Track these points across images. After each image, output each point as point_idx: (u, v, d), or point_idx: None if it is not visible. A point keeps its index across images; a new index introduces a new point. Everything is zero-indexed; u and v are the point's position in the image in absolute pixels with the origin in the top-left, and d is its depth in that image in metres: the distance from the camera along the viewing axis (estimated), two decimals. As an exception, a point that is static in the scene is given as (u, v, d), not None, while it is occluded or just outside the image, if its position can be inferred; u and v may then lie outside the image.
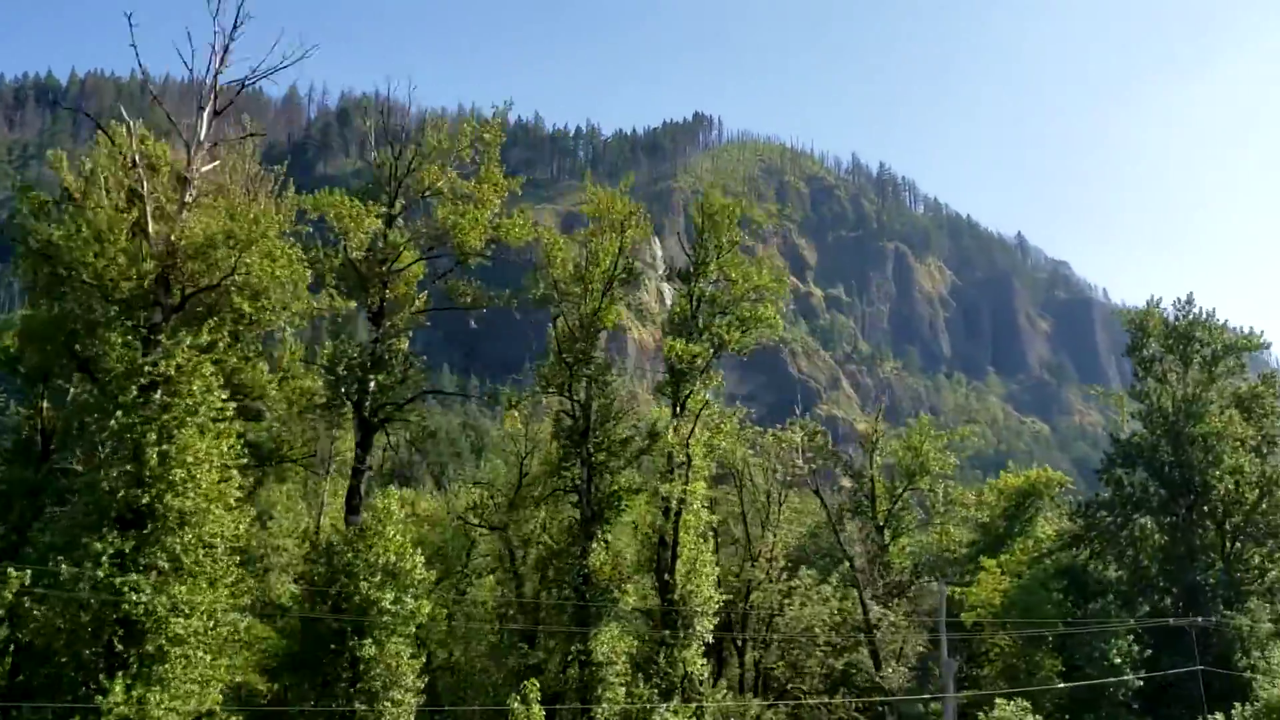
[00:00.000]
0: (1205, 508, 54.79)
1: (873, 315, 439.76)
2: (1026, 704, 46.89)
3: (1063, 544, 57.51)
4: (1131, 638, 51.57)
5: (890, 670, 50.55)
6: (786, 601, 51.48)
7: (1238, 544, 55.79)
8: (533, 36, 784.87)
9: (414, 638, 34.11)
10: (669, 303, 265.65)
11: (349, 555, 33.14)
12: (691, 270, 48.50)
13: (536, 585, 42.70)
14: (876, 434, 61.12)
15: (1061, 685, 49.33)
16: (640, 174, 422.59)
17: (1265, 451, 56.81)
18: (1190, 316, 58.24)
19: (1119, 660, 49.94)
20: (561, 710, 38.63)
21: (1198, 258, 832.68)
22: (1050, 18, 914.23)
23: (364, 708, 31.39)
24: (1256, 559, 55.44)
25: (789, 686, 50.27)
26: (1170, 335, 58.01)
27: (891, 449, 61.02)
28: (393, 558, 32.91)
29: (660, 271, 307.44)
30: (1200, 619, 51.12)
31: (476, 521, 45.37)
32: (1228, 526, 55.43)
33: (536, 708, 35.05)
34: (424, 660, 35.08)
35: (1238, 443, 54.45)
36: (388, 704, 31.48)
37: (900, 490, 59.82)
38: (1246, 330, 60.09)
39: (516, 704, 34.85)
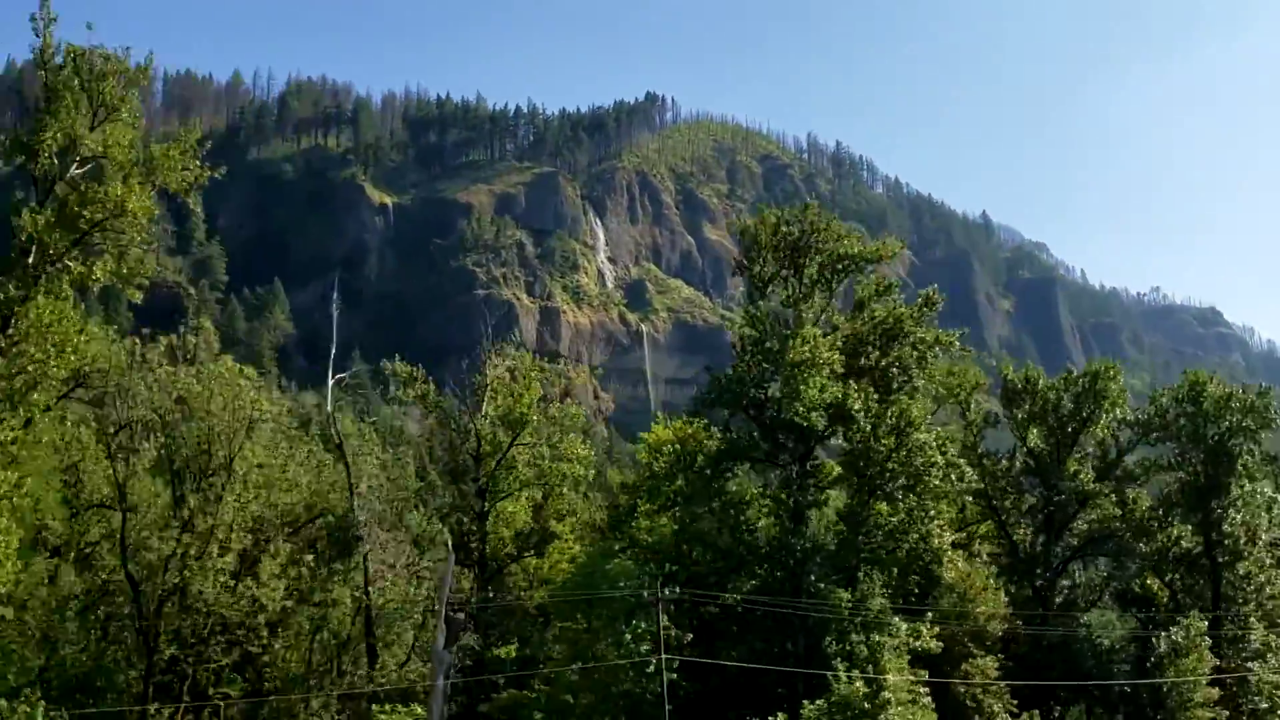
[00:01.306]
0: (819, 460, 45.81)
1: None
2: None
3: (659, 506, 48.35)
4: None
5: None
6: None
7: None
8: (481, 15, 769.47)
9: None
10: (609, 284, 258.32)
11: None
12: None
13: None
14: (492, 380, 51.65)
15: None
16: (583, 154, 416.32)
17: (898, 386, 47.78)
18: (810, 222, 48.92)
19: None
20: None
21: (1179, 240, 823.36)
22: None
23: None
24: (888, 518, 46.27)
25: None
26: (782, 245, 48.67)
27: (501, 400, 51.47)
28: None
29: (601, 254, 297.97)
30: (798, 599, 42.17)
31: None
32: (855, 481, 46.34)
33: None
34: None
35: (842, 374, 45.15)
36: None
37: (507, 447, 50.37)
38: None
39: None
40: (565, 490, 51.87)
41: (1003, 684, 47.99)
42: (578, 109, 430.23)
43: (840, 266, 48.61)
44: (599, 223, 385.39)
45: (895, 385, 47.61)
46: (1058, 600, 57.26)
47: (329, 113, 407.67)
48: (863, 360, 47.52)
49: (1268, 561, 59.18)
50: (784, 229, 48.10)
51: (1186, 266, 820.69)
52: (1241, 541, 58.21)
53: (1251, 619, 57.44)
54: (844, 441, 47.61)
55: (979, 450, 57.28)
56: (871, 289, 51.07)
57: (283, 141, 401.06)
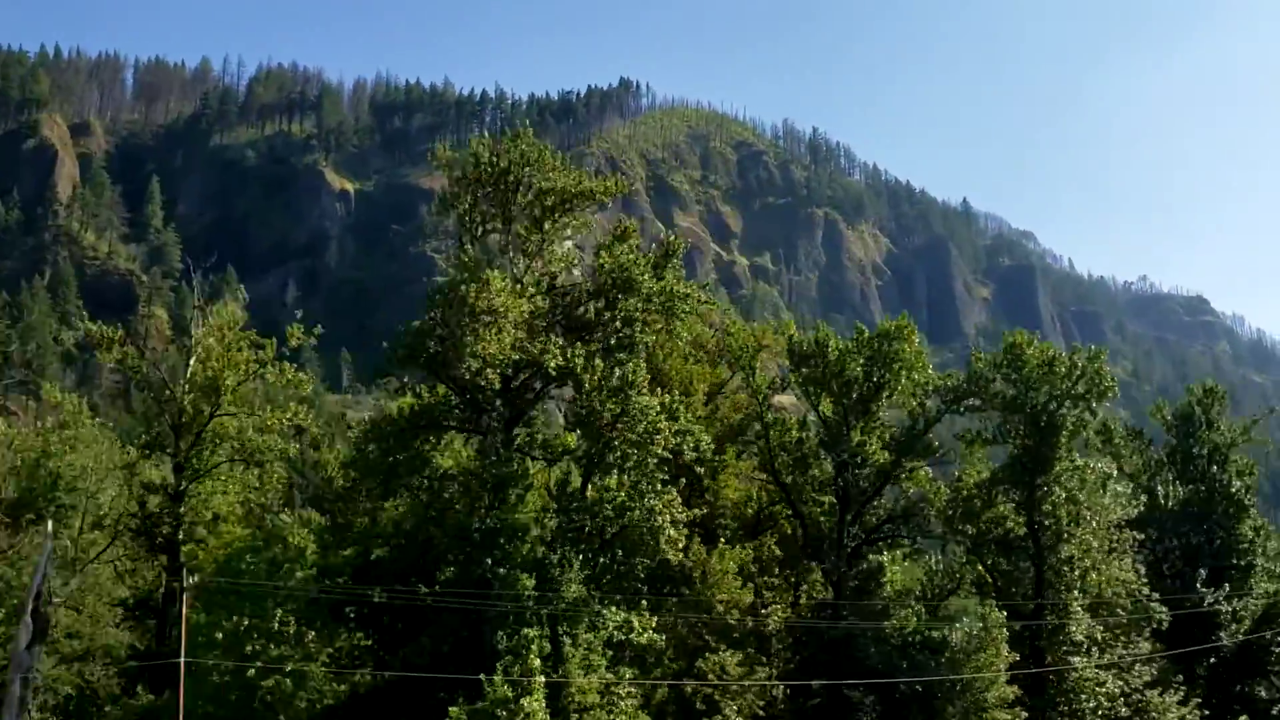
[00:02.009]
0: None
1: (800, 284, 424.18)
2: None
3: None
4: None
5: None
6: None
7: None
8: (457, 2, 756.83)
9: None
10: (576, 272, 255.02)
11: None
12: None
13: None
14: (197, 342, 45.82)
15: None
16: (550, 140, 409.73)
17: (627, 342, 41.79)
18: (521, 153, 42.87)
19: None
20: None
21: (1169, 229, 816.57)
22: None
23: None
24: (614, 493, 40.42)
25: None
26: (485, 180, 42.65)
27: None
28: None
29: (569, 241, 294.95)
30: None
31: None
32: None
33: None
34: None
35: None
36: None
37: (208, 418, 44.52)
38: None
39: None
40: (279, 468, 46.11)
41: (747, 683, 42.16)
42: (546, 94, 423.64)
43: (551, 204, 42.57)
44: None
45: (624, 342, 41.62)
46: (852, 585, 51.48)
47: (293, 99, 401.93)
48: (584, 313, 41.55)
49: (1094, 545, 53.35)
50: (491, 160, 42.10)
51: (1176, 256, 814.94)
52: (1065, 522, 52.42)
53: (1075, 607, 51.67)
54: (574, 407, 41.86)
55: (766, 419, 51.44)
56: (609, 238, 45.10)
57: (247, 128, 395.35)
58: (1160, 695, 55.05)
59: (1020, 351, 52.92)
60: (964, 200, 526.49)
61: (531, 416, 42.11)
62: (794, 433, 51.41)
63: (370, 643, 38.45)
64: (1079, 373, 53.41)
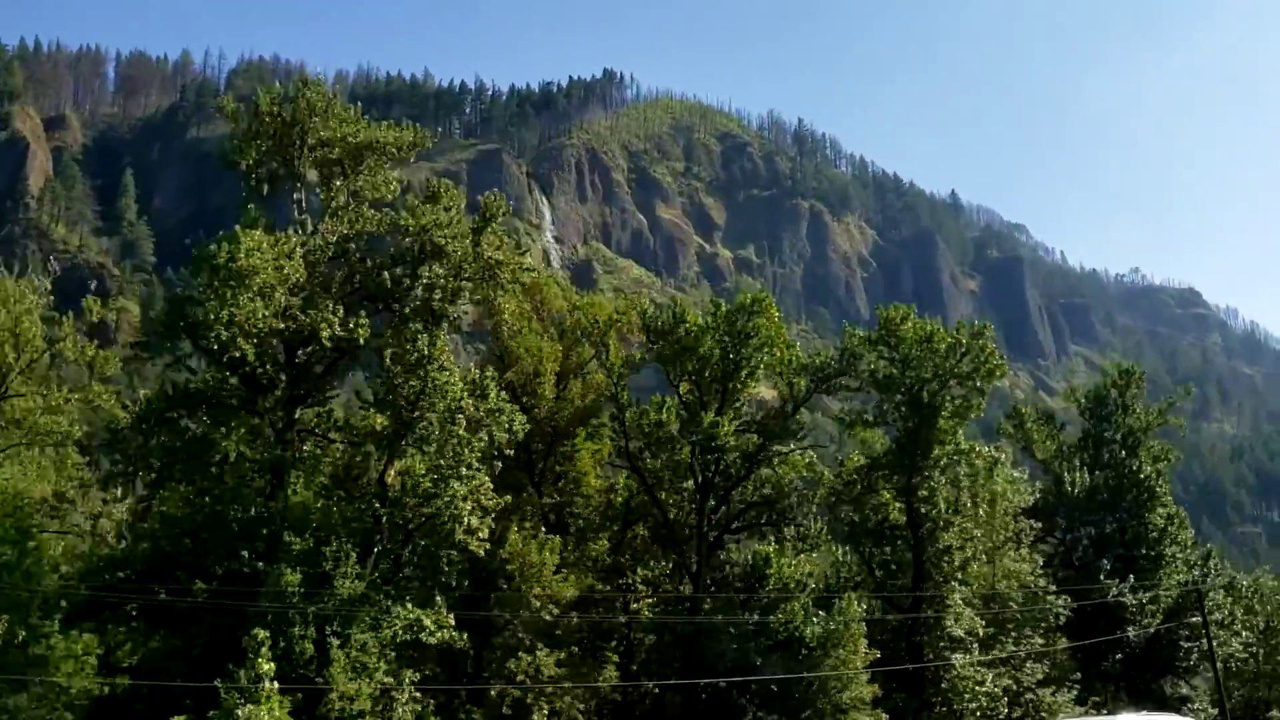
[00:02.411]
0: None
1: (785, 276, 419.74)
2: None
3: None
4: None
5: None
6: None
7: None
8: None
9: None
10: (555, 264, 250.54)
11: None
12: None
13: None
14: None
15: None
16: (532, 132, 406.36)
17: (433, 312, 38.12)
18: (308, 102, 39.11)
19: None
20: None
21: (1163, 222, 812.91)
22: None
23: None
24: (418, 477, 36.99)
25: None
26: (267, 133, 38.98)
27: None
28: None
29: (548, 233, 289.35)
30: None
31: None
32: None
33: None
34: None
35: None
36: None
37: None
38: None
39: None
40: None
41: (567, 684, 38.69)
42: (527, 85, 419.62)
43: (338, 156, 38.84)
44: (545, 201, 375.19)
45: (427, 312, 37.96)
46: (717, 577, 48.02)
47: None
48: (384, 280, 37.84)
49: (977, 534, 49.88)
50: (275, 111, 38.45)
51: (1170, 249, 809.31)
52: (944, 510, 48.93)
53: (954, 600, 48.16)
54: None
55: (621, 400, 47.91)
56: (417, 199, 41.40)
57: (226, 121, 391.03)
58: (1053, 694, 51.67)
59: (895, 327, 49.38)
60: (952, 192, 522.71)
61: (328, 395, 38.49)
62: (651, 415, 47.86)
63: (129, 645, 34.95)
64: (962, 350, 49.92)
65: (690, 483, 47.55)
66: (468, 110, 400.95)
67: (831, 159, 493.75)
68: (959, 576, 49.04)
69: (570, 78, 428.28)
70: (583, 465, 48.04)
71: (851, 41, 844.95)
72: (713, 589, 46.93)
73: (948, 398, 49.58)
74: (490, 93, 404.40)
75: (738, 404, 47.47)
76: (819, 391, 49.21)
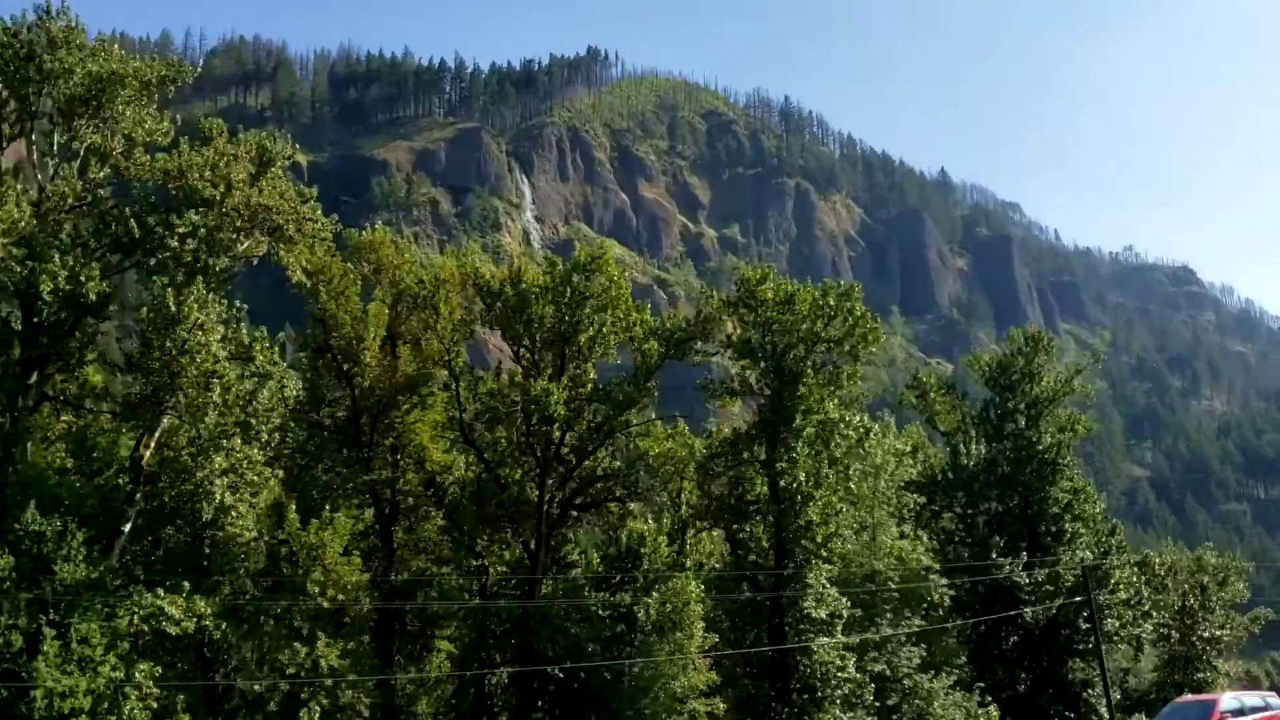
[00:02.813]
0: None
1: (770, 255, 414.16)
2: None
3: None
4: None
5: None
6: None
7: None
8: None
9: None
10: (535, 243, 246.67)
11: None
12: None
13: None
14: None
15: None
16: (513, 110, 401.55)
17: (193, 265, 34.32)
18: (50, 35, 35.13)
19: None
20: None
21: (1158, 200, 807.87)
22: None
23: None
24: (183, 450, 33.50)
25: None
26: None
27: None
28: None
29: (528, 212, 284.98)
30: None
31: None
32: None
33: None
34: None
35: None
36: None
37: None
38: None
39: None
40: None
41: (352, 677, 35.20)
42: (508, 63, 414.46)
43: (79, 92, 34.77)
44: (526, 180, 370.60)
45: (184, 264, 34.15)
46: (558, 556, 44.54)
47: (249, 70, 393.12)
48: (133, 227, 34.05)
49: (842, 508, 46.34)
50: (8, 42, 34.39)
51: (1166, 227, 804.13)
52: (804, 482, 45.37)
53: (815, 579, 44.67)
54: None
55: (455, 366, 44.33)
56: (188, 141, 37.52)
57: (202, 102, 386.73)
58: (932, 679, 48.27)
59: (754, 288, 45.73)
60: (942, 170, 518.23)
61: (82, 359, 34.80)
62: (489, 383, 44.29)
63: None
64: (830, 313, 46.30)
65: (530, 457, 43.98)
66: (447, 89, 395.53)
67: (819, 137, 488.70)
68: (822, 554, 45.52)
69: (552, 55, 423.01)
70: (421, 438, 44.48)
71: (840, 18, 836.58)
72: (555, 570, 43.50)
73: (810, 364, 45.95)
74: (471, 70, 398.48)
75: (580, 371, 43.83)
76: (673, 358, 45.56)
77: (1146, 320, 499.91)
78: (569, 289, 41.81)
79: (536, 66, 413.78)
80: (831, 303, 46.58)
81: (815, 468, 45.24)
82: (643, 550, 48.57)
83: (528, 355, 43.36)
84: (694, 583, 40.40)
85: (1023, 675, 54.05)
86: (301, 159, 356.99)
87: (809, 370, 45.69)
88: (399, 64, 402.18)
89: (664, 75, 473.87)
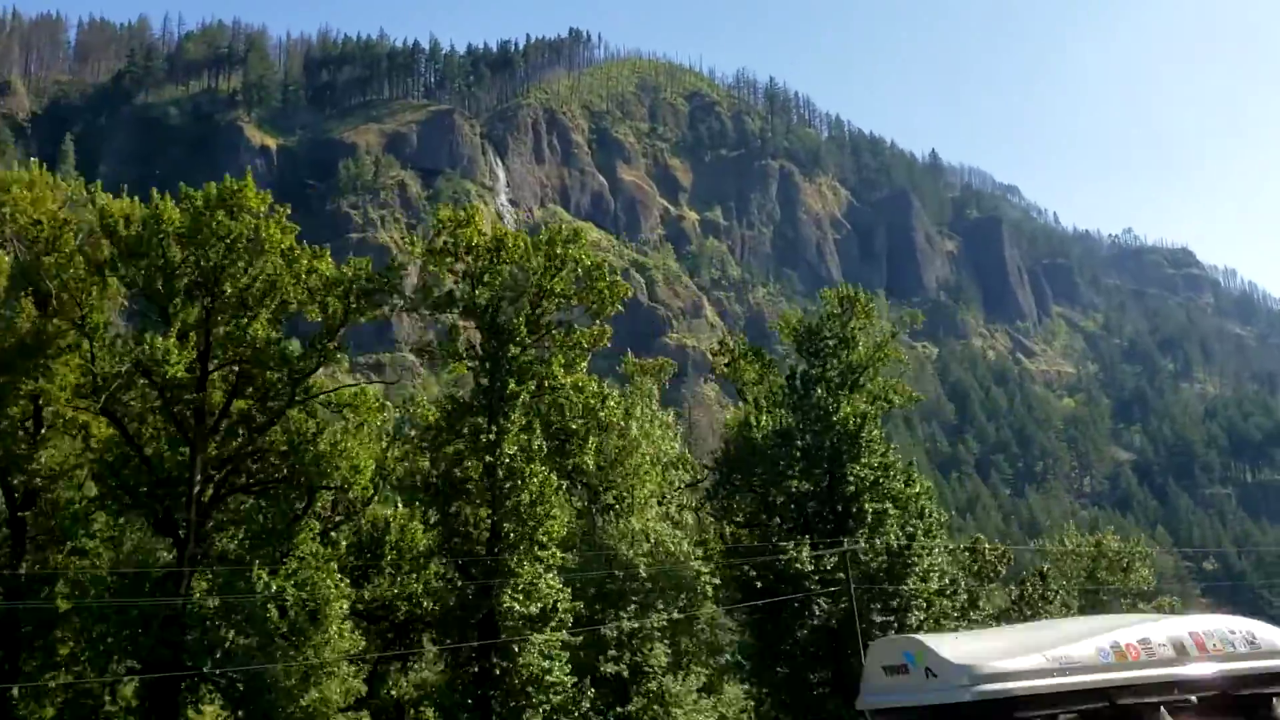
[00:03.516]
0: None
1: (753, 239, 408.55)
2: None
3: None
4: None
5: None
6: None
7: None
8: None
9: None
10: (509, 227, 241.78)
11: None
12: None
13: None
14: None
15: None
16: (489, 92, 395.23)
17: None
18: None
19: None
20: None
21: (1159, 182, 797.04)
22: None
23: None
24: None
25: None
26: None
27: None
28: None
29: (502, 196, 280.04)
30: None
31: None
32: None
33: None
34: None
35: None
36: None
37: None
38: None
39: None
40: None
41: None
42: (485, 44, 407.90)
43: None
44: (500, 163, 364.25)
45: None
46: (210, 545, 38.56)
47: (222, 54, 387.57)
48: None
49: (561, 484, 40.28)
50: None
51: (1166, 210, 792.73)
52: (517, 457, 39.31)
53: (528, 567, 38.70)
54: None
55: (89, 324, 38.28)
56: None
57: (175, 86, 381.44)
58: (680, 682, 42.27)
59: (456, 231, 39.63)
60: (933, 151, 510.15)
61: None
62: (128, 343, 38.26)
63: None
64: (547, 263, 40.21)
65: (177, 428, 38.00)
66: (423, 71, 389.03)
67: (806, 118, 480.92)
68: (542, 540, 39.51)
69: (529, 36, 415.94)
70: (60, 407, 38.47)
71: None
72: (202, 559, 37.54)
73: (527, 322, 39.89)
74: (446, 52, 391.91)
75: (239, 330, 37.69)
76: (362, 313, 39.48)
77: (1141, 303, 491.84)
78: (206, 230, 35.66)
79: (514, 48, 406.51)
80: (558, 250, 40.48)
81: (528, 441, 39.18)
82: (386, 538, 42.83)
83: (159, 308, 37.26)
84: (334, 575, 34.40)
85: (813, 676, 47.87)
86: (271, 143, 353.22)
87: (522, 328, 39.61)
88: (373, 46, 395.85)
89: (648, 57, 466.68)
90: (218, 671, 35.61)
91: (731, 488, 50.54)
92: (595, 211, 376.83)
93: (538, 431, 39.37)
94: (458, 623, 39.93)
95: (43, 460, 37.62)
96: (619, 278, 41.91)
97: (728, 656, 47.11)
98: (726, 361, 55.06)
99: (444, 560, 40.97)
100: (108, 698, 36.65)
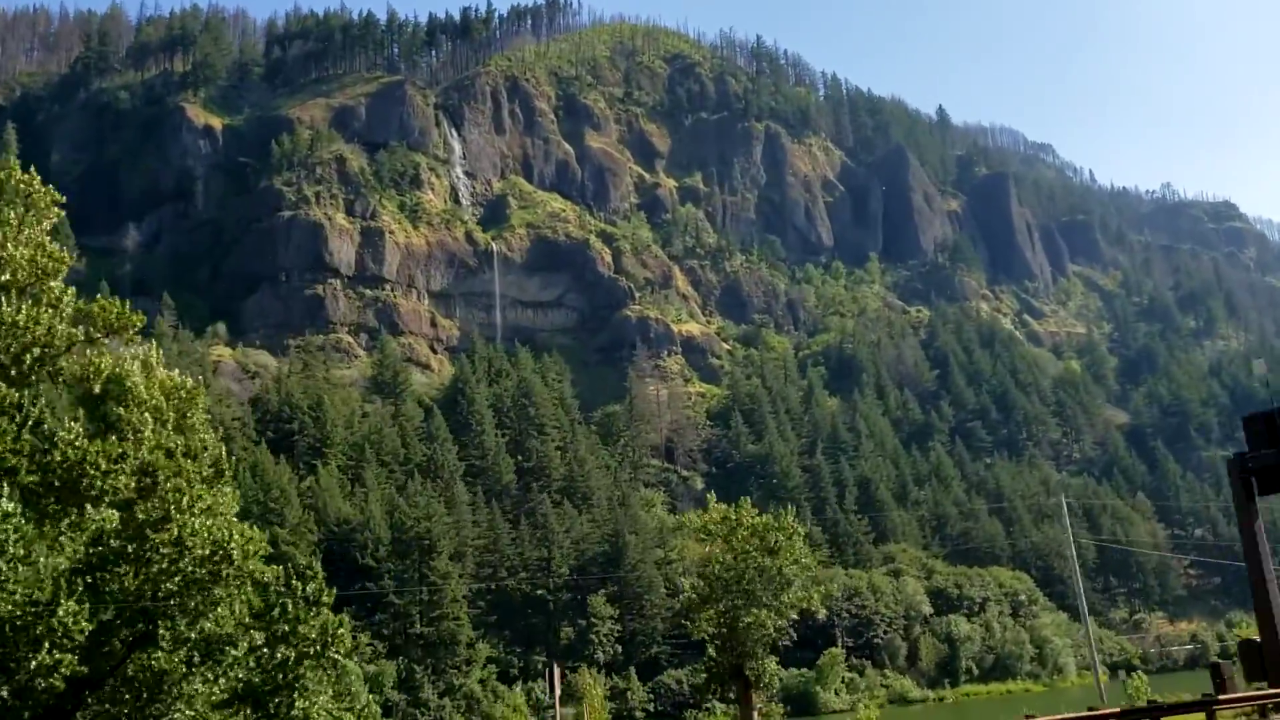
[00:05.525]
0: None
1: (736, 204, 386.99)
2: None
3: None
4: None
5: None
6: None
7: None
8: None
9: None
10: (465, 200, 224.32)
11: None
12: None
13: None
14: None
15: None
16: (448, 63, 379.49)
17: None
18: None
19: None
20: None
21: (1198, 136, 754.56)
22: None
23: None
24: None
25: None
26: None
27: None
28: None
29: (458, 168, 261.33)
30: None
31: None
32: None
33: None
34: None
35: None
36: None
37: None
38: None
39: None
40: None
41: None
42: (447, 13, 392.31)
43: None
44: (455, 134, 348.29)
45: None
46: None
47: (177, 35, 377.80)
48: None
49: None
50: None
51: (1207, 165, 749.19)
52: None
53: None
54: None
55: None
56: None
57: (132, 71, 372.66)
58: None
59: None
60: (939, 108, 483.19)
61: None
62: None
63: None
64: None
65: None
66: (382, 42, 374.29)
67: (795, 76, 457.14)
68: None
69: (489, 3, 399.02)
70: None
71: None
72: None
73: None
74: (400, 22, 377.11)
75: None
76: None
77: (1170, 259, 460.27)
78: None
79: (474, 15, 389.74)
80: None
81: None
82: None
83: None
84: None
85: None
86: (215, 123, 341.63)
87: None
88: (328, 19, 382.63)
89: (630, 20, 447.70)
90: None
91: None
92: (560, 181, 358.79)
93: None
94: None
95: None
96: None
97: None
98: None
99: None
100: None
